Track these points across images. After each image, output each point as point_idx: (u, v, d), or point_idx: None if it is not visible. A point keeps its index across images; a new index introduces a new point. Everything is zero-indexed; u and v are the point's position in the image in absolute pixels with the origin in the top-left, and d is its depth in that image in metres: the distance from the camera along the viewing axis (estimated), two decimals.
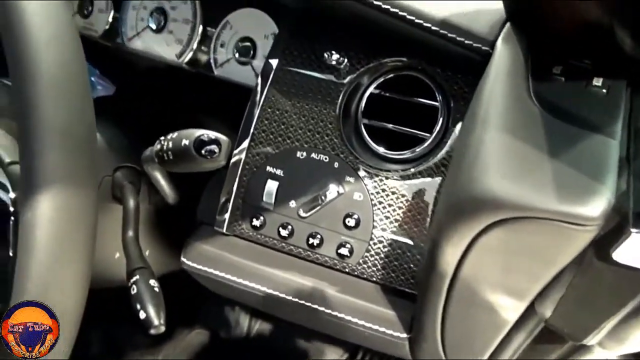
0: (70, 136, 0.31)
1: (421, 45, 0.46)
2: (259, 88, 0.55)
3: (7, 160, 0.36)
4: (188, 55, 0.67)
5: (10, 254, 0.33)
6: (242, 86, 0.63)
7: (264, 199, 0.53)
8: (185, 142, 0.37)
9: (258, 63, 0.62)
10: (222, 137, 0.37)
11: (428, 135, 0.50)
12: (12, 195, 0.34)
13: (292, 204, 0.52)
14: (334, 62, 0.50)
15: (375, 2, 0.42)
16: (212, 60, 0.65)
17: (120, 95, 0.71)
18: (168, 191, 0.54)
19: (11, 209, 0.33)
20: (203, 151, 0.37)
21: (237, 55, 0.63)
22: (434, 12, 0.42)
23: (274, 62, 0.54)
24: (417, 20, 0.42)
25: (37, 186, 0.30)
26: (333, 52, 0.49)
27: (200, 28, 0.66)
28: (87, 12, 0.75)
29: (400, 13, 0.42)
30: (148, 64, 0.70)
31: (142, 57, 0.70)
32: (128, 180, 0.54)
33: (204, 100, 0.69)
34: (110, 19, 0.73)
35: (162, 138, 0.42)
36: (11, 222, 0.33)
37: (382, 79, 0.52)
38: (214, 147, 0.37)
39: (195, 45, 0.66)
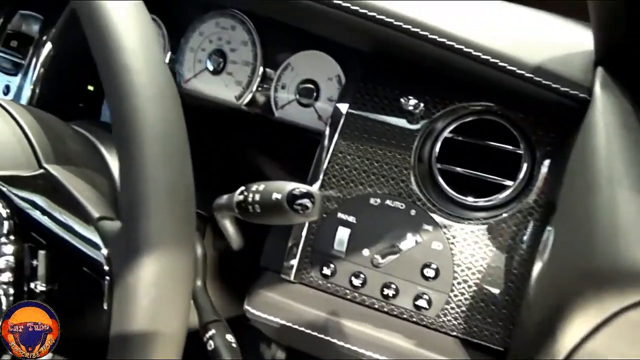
0: (175, 196, 0.30)
1: (504, 90, 0.44)
2: (327, 132, 0.54)
3: (96, 215, 0.35)
4: (248, 97, 0.66)
5: (105, 307, 0.32)
6: (304, 128, 0.62)
7: (335, 246, 0.51)
8: (276, 196, 0.36)
9: (321, 105, 0.61)
10: (315, 191, 0.36)
11: (510, 181, 0.48)
12: (104, 251, 0.33)
13: (366, 252, 0.51)
14: (410, 107, 0.49)
15: (465, 50, 0.41)
16: (272, 102, 0.65)
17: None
18: (235, 238, 0.53)
19: (105, 267, 0.32)
20: (296, 205, 0.36)
21: (299, 97, 0.63)
22: (524, 57, 0.41)
23: (344, 107, 0.53)
24: (509, 67, 0.40)
25: (141, 249, 0.29)
26: (410, 97, 0.48)
27: (261, 70, 0.66)
28: None
29: (492, 60, 0.40)
30: (205, 106, 0.69)
31: (199, 99, 0.70)
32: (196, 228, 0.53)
33: (263, 142, 0.69)
34: (167, 61, 0.74)
35: (244, 188, 0.41)
36: (106, 282, 0.32)
37: (457, 123, 0.50)
38: (306, 201, 0.36)
39: (255, 87, 0.66)
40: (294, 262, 0.53)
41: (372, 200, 0.51)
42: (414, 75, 0.51)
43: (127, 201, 0.30)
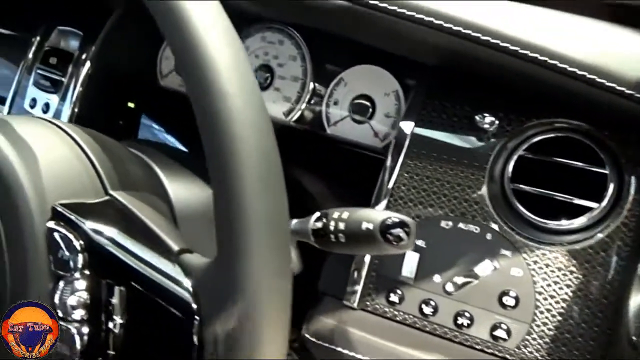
0: (275, 229, 0.28)
1: (592, 106, 0.42)
2: (391, 151, 0.52)
3: (175, 248, 0.33)
4: (297, 114, 0.64)
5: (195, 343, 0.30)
6: (358, 145, 0.60)
7: (403, 272, 0.49)
8: (367, 225, 0.33)
9: (377, 122, 0.59)
10: (409, 220, 0.33)
11: (594, 203, 0.45)
12: (188, 284, 0.31)
13: (437, 278, 0.48)
14: (486, 125, 0.46)
15: (559, 65, 0.38)
16: (324, 119, 0.62)
17: None
18: (296, 262, 0.50)
19: (193, 305, 0.30)
20: (389, 236, 0.33)
21: (352, 113, 0.60)
22: (623, 73, 0.38)
23: (409, 125, 0.51)
24: (608, 84, 0.38)
25: (242, 287, 0.27)
26: (486, 114, 0.46)
27: (311, 85, 0.64)
28: None
29: (589, 77, 0.38)
30: None
31: None
32: None
33: (313, 159, 0.66)
34: None
35: (322, 215, 0.38)
36: (195, 322, 0.29)
37: (533, 141, 0.48)
38: (400, 231, 0.33)
39: (305, 103, 0.64)
40: (357, 287, 0.51)
41: (443, 223, 0.48)
42: (487, 90, 0.48)
43: (226, 237, 0.27)
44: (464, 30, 0.42)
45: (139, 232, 0.34)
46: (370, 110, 0.59)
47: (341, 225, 0.36)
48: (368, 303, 0.51)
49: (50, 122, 0.42)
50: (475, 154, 0.48)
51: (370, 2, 0.41)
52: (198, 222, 0.49)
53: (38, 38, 0.77)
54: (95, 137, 0.43)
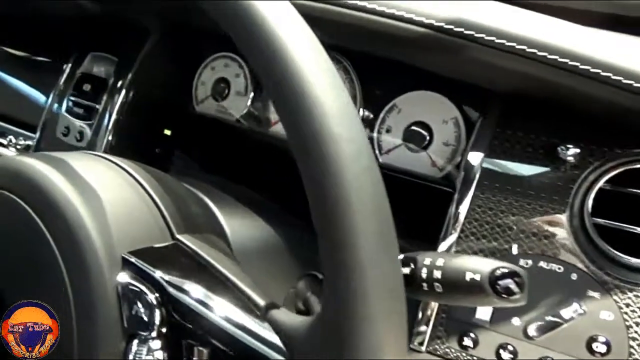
0: (392, 288, 0.25)
1: None
2: (459, 183, 0.49)
3: (261, 303, 0.30)
4: None
5: None
6: (414, 174, 0.57)
7: (478, 314, 0.45)
8: (472, 276, 0.30)
9: (435, 150, 0.56)
10: (521, 270, 0.30)
11: None
12: (281, 345, 0.27)
13: (516, 321, 0.44)
14: (569, 157, 0.43)
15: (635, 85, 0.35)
16: (376, 147, 0.60)
17: (272, 184, 0.65)
18: None
19: None
20: (498, 288, 0.30)
21: (406, 141, 0.57)
22: None
23: (479, 156, 0.48)
24: None
25: (359, 352, 0.23)
26: (569, 145, 0.43)
27: (362, 112, 0.61)
28: (224, 94, 0.71)
29: None
30: (288, 149, 0.64)
31: (281, 142, 0.65)
32: (311, 291, 0.47)
33: None
34: (249, 103, 0.69)
35: (407, 259, 0.35)
36: None
37: (615, 172, 0.45)
38: (510, 282, 0.30)
39: None
40: (426, 329, 0.47)
41: (521, 262, 0.45)
42: (565, 119, 0.45)
43: (338, 295, 0.24)
44: (549, 56, 0.39)
45: (219, 284, 0.31)
46: (428, 138, 0.56)
47: (437, 274, 0.32)
48: (437, 347, 0.47)
49: (107, 159, 0.39)
50: (555, 186, 0.45)
51: (468, 32, 0.38)
52: (255, 261, 0.46)
53: (70, 64, 0.75)
54: (153, 174, 0.40)
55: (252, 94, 0.69)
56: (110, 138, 0.68)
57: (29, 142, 0.75)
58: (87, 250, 0.30)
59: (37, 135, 0.75)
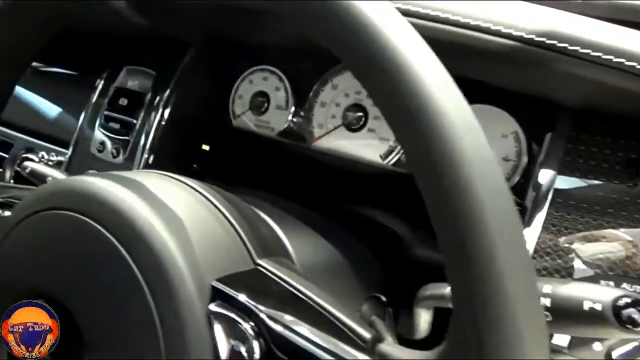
0: (536, 316, 0.23)
1: None
2: (530, 201, 0.47)
3: (366, 335, 0.27)
4: (397, 156, 0.59)
5: None
6: None
7: (555, 339, 0.43)
8: (591, 305, 0.28)
9: None
10: None
11: None
12: None
13: (597, 346, 0.42)
14: None
15: None
16: None
17: (316, 199, 0.63)
18: (425, 328, 0.45)
19: None
20: (621, 317, 0.28)
21: None
22: None
23: (549, 174, 0.46)
24: None
25: None
26: None
27: None
28: (263, 109, 0.69)
29: None
30: (341, 166, 0.63)
31: (333, 158, 0.63)
32: (375, 314, 0.45)
33: (418, 206, 0.61)
34: (290, 117, 0.67)
35: None
36: None
37: None
38: (634, 311, 0.28)
39: None
40: None
41: (602, 283, 0.43)
42: None
43: (476, 327, 0.22)
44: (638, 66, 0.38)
45: (317, 314, 0.29)
46: None
47: (545, 301, 0.30)
48: None
49: (175, 178, 0.37)
50: (635, 204, 0.43)
51: (561, 45, 0.37)
52: (319, 284, 0.44)
53: (103, 78, 0.73)
54: (222, 194, 0.38)
55: (293, 108, 0.67)
56: (149, 153, 0.66)
57: (61, 158, 0.73)
58: (176, 277, 0.28)
59: (70, 151, 0.73)
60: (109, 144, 0.69)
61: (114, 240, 0.30)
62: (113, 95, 0.71)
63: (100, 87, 0.73)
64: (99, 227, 0.30)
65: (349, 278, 0.46)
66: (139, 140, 0.67)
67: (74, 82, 0.77)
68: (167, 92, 0.68)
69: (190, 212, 0.33)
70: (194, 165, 0.70)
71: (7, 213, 0.39)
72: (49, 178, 0.58)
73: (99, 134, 0.70)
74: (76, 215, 0.31)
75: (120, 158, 0.67)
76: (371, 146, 0.61)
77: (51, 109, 0.78)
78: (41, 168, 0.58)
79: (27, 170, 0.57)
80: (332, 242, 0.48)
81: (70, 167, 0.72)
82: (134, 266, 0.29)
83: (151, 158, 0.66)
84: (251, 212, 0.40)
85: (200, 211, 0.34)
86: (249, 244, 0.34)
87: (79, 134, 0.72)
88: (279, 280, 0.32)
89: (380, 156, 0.60)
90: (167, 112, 0.67)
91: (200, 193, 0.36)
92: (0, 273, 0.35)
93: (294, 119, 0.67)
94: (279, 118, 0.68)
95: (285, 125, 0.68)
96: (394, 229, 0.62)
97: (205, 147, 0.70)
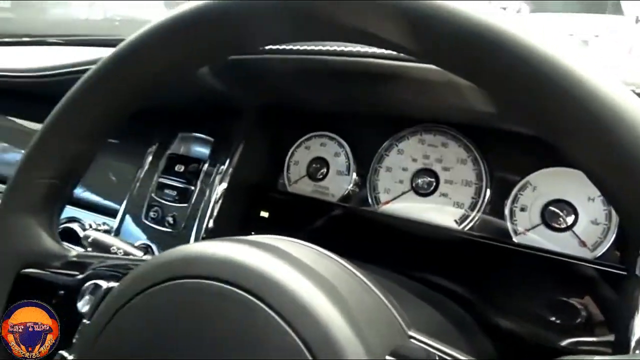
0: None
1: None
2: (639, 267, 0.45)
3: None
4: (473, 221, 0.58)
5: None
6: (557, 254, 0.53)
7: None
8: None
9: (583, 229, 0.53)
10: None
11: None
12: None
13: None
14: None
15: None
16: (509, 227, 0.56)
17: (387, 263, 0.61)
18: None
19: None
20: None
21: (547, 220, 0.54)
22: None
23: None
24: None
25: None
26: None
27: (488, 191, 0.58)
28: (321, 175, 0.68)
29: None
30: (412, 231, 0.61)
31: (404, 223, 0.61)
32: None
33: (498, 272, 0.59)
34: (352, 182, 0.66)
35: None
36: None
37: None
38: None
39: (482, 210, 0.58)
40: None
41: None
42: None
43: None
44: None
45: None
46: (573, 216, 0.53)
47: None
48: None
49: (308, 246, 0.35)
50: None
51: None
52: None
53: (157, 144, 0.72)
54: (350, 262, 0.36)
55: (354, 174, 0.66)
56: (208, 221, 0.64)
57: (106, 227, 0.70)
58: (351, 353, 0.26)
59: (118, 219, 0.70)
60: (164, 211, 0.66)
61: (272, 313, 0.27)
62: (167, 161, 0.69)
63: (152, 153, 0.71)
64: (253, 299, 0.28)
65: (465, 343, 0.43)
66: (198, 207, 0.65)
67: (122, 149, 0.75)
68: (226, 159, 0.66)
69: (343, 282, 0.30)
70: (252, 233, 0.67)
71: (113, 284, 0.36)
72: (113, 247, 0.55)
73: (153, 201, 0.68)
74: (222, 285, 0.28)
75: (179, 226, 0.65)
76: (444, 211, 0.60)
77: (95, 177, 0.76)
78: (105, 237, 0.55)
79: (90, 240, 0.54)
80: (435, 307, 0.45)
81: (118, 237, 0.68)
82: (298, 341, 0.26)
83: (211, 226, 0.64)
84: (380, 281, 0.37)
85: (349, 281, 0.31)
86: (396, 315, 0.31)
87: (130, 202, 0.70)
88: (440, 352, 0.29)
89: (455, 221, 0.59)
90: (226, 179, 0.66)
91: (337, 261, 0.33)
92: (118, 348, 0.31)
93: (356, 185, 0.66)
94: (339, 183, 0.67)
95: (347, 191, 0.66)
96: (467, 297, 0.60)
97: (264, 214, 0.68)
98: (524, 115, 0.27)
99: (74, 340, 0.36)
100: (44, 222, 0.43)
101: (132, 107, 0.41)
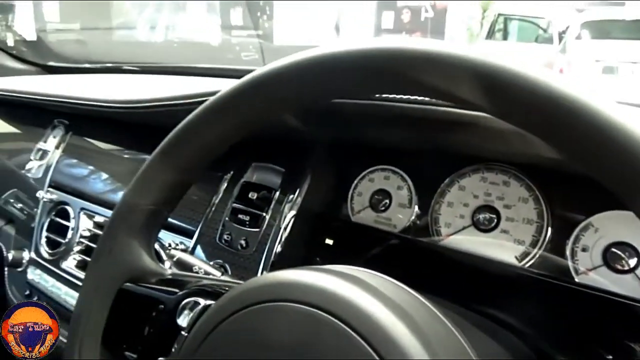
0: None
1: None
2: None
3: None
4: (533, 259, 0.60)
5: None
6: (619, 296, 0.54)
7: None
8: None
9: None
10: None
11: None
12: None
13: None
14: None
15: None
16: (571, 267, 0.58)
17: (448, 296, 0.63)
18: None
19: None
20: None
21: (609, 262, 0.56)
22: None
23: None
24: None
25: None
26: None
27: (549, 230, 0.60)
28: (383, 206, 0.72)
29: None
30: (472, 264, 0.63)
31: (464, 256, 0.63)
32: None
33: (557, 310, 0.60)
34: (413, 215, 0.69)
35: None
36: None
37: None
38: None
39: (542, 248, 0.60)
40: None
41: None
42: None
43: None
44: None
45: None
46: (635, 259, 0.54)
47: None
48: None
49: (381, 277, 0.38)
50: None
51: None
52: None
53: (232, 173, 0.78)
54: (418, 294, 0.39)
55: (416, 207, 0.70)
56: (277, 246, 0.69)
57: (182, 247, 0.76)
58: None
59: (193, 241, 0.76)
60: (237, 234, 0.72)
61: (359, 339, 0.30)
62: (242, 189, 0.75)
63: (227, 180, 0.77)
64: (343, 326, 0.31)
65: None
66: (269, 233, 0.69)
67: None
68: (296, 188, 0.71)
69: (420, 313, 0.33)
70: (317, 259, 0.72)
71: (210, 302, 0.41)
72: (195, 267, 0.60)
73: (227, 225, 0.73)
74: (313, 310, 0.32)
75: (250, 249, 0.70)
76: (504, 247, 0.62)
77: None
78: (188, 257, 0.60)
79: (175, 259, 0.60)
80: (503, 343, 0.48)
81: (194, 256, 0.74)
82: None
83: (280, 250, 0.68)
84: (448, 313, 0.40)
85: (424, 312, 0.34)
86: (467, 347, 0.34)
87: (205, 224, 0.75)
88: None
89: (516, 257, 0.61)
90: (295, 207, 0.71)
91: (410, 292, 0.37)
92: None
93: (417, 217, 0.69)
94: (401, 215, 0.70)
95: (408, 223, 0.69)
96: (528, 332, 0.61)
97: (329, 241, 0.72)
98: (591, 169, 0.30)
99: (172, 349, 0.41)
100: (144, 243, 0.49)
101: (232, 142, 0.46)
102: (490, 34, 7.41)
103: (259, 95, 0.40)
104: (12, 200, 1.15)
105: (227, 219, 0.74)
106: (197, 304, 0.41)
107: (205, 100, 0.43)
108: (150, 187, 0.48)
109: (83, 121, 1.05)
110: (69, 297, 0.88)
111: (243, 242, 0.71)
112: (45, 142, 1.12)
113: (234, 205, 0.74)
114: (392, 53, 0.32)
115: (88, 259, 0.91)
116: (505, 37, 7.44)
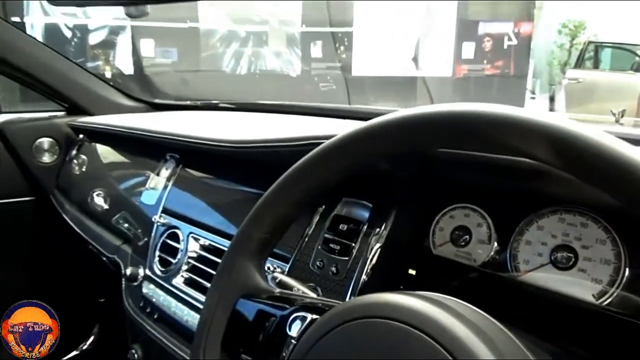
0: None
1: None
2: None
3: None
4: (611, 298, 0.63)
5: None
6: None
7: None
8: None
9: None
10: None
11: None
12: None
13: None
14: None
15: None
16: None
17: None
18: None
19: None
20: None
21: None
22: None
23: None
24: None
25: None
26: None
27: (627, 270, 0.63)
28: (463, 242, 0.77)
29: None
30: (549, 300, 0.67)
31: (542, 292, 0.67)
32: None
33: (635, 351, 0.63)
34: (493, 251, 0.74)
35: None
36: None
37: None
38: None
39: (620, 288, 0.63)
40: None
41: None
42: None
43: None
44: None
45: None
46: None
47: None
48: None
49: (464, 304, 0.45)
50: None
51: None
52: None
53: (324, 207, 0.87)
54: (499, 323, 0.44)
55: (495, 244, 0.74)
56: (364, 274, 0.76)
57: (281, 270, 0.86)
58: None
59: (288, 265, 0.85)
60: (328, 262, 0.80)
61: (445, 354, 0.37)
62: (332, 221, 0.83)
63: (319, 213, 0.86)
64: (429, 339, 0.38)
65: None
66: (357, 262, 0.77)
67: None
68: (382, 222, 0.79)
69: (502, 341, 0.40)
70: (401, 287, 0.78)
71: (316, 316, 0.49)
72: (295, 288, 0.69)
73: (319, 253, 0.82)
74: (405, 326, 0.40)
75: (340, 276, 0.78)
76: (582, 285, 0.65)
77: None
78: (288, 279, 0.69)
79: (277, 280, 0.69)
80: None
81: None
82: None
83: (367, 278, 0.76)
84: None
85: (506, 341, 0.40)
86: None
87: (299, 251, 0.85)
88: None
89: (594, 296, 0.64)
90: (381, 240, 0.78)
91: (494, 322, 0.43)
92: None
93: (496, 253, 0.74)
94: (480, 251, 0.75)
95: (487, 258, 0.74)
96: None
97: (412, 272, 0.78)
98: None
99: (282, 354, 0.50)
100: (257, 265, 0.59)
101: (337, 183, 0.54)
102: (579, 63, 7.14)
103: (365, 146, 0.48)
104: (127, 224, 1.31)
105: (319, 247, 0.82)
106: (305, 317, 0.49)
107: (309, 143, 0.52)
108: (265, 219, 0.58)
109: (192, 156, 1.20)
110: (178, 310, 1.00)
111: (334, 268, 0.79)
112: (158, 174, 1.28)
113: (326, 235, 0.83)
114: (491, 118, 0.40)
115: (195, 277, 1.03)
116: (596, 66, 7.14)
